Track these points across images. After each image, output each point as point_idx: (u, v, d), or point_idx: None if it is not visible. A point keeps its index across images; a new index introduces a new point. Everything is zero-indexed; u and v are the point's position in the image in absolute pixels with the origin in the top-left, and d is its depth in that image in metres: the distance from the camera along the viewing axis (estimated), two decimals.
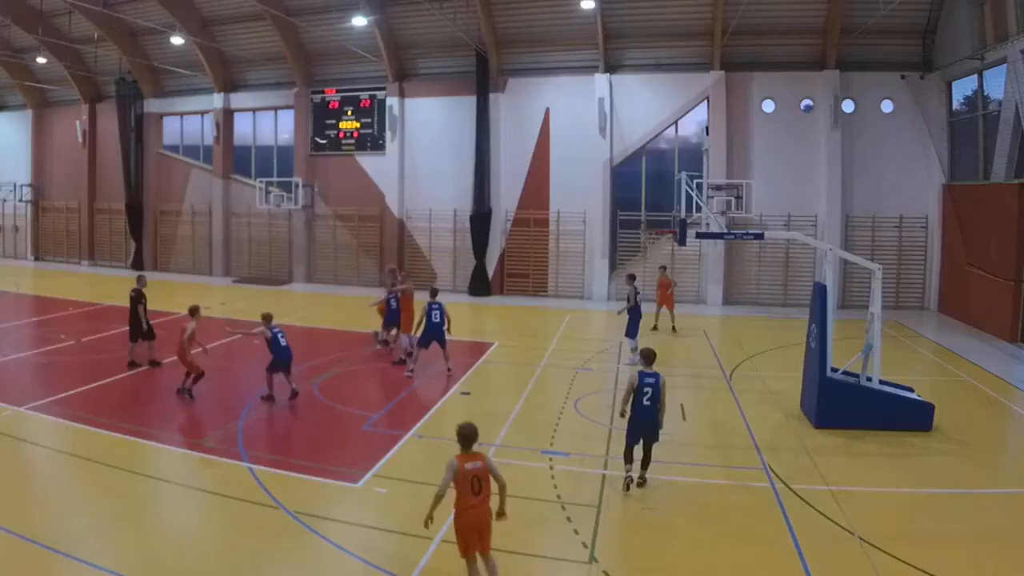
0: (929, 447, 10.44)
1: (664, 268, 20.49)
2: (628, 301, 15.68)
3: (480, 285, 25.44)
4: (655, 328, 18.76)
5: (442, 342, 13.70)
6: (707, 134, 21.68)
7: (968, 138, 21.15)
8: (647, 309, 17.36)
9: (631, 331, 15.52)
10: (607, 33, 23.65)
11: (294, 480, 8.89)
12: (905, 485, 9.09)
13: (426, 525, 6.22)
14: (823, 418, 11.09)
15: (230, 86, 29.47)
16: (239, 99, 29.41)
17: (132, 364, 14.21)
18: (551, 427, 11.04)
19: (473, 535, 6.16)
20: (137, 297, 14.40)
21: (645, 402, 8.60)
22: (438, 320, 13.66)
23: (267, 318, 12.23)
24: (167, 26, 25.49)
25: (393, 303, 15.52)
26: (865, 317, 11.70)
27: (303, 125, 28.02)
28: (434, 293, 14.39)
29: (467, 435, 6.34)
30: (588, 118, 24.14)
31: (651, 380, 8.64)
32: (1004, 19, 17.88)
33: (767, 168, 23.13)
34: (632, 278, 16.17)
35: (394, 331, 15.61)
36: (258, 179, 28.31)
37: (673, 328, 18.87)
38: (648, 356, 8.95)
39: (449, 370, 13.89)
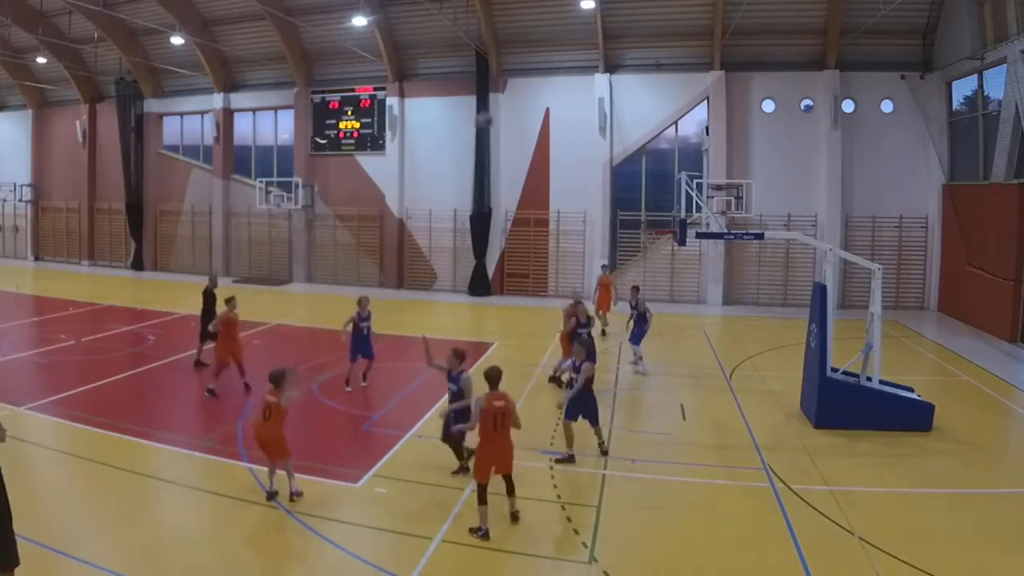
0: (929, 447, 10.44)
1: (605, 267, 20.73)
2: (634, 308, 15.18)
3: (480, 285, 25.45)
4: (604, 334, 17.98)
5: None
6: (707, 134, 21.61)
7: (968, 138, 21.15)
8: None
9: (635, 338, 15.27)
10: (607, 33, 23.63)
11: None
12: (905, 485, 9.09)
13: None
14: (823, 418, 11.09)
15: (230, 86, 29.46)
16: (239, 99, 29.40)
17: (199, 364, 14.44)
18: (551, 427, 11.02)
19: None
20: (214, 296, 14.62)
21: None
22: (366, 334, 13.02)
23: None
24: (167, 26, 25.49)
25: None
26: (865, 317, 11.71)
27: (303, 125, 28.01)
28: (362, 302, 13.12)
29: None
30: (588, 118, 24.13)
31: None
32: (1004, 19, 17.89)
33: (767, 168, 23.12)
34: (636, 290, 15.85)
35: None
36: (258, 179, 28.31)
37: (603, 332, 17.96)
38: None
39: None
